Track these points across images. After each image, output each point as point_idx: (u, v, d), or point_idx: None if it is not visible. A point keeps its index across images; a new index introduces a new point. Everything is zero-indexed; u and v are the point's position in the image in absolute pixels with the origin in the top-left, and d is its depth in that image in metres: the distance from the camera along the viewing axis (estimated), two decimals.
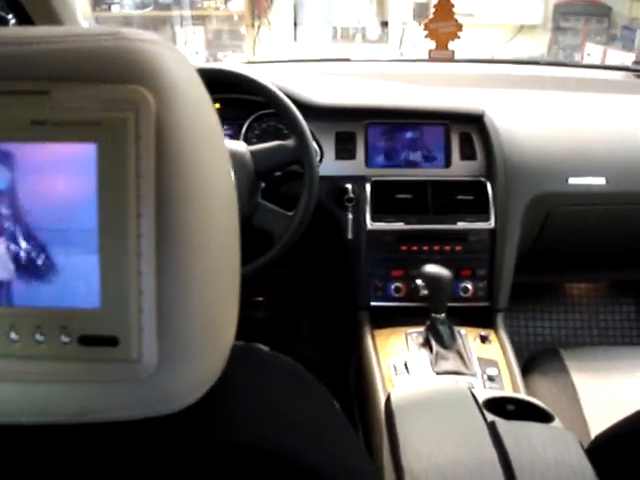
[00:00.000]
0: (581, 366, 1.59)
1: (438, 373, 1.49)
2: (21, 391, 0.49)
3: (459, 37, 1.78)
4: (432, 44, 1.83)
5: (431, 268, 1.55)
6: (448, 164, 1.76)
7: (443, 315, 1.57)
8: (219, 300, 0.51)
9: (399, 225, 1.71)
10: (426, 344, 1.58)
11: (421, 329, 1.62)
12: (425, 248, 1.71)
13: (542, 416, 1.09)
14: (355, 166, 1.75)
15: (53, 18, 1.46)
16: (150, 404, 0.50)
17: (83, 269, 0.47)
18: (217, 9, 4.89)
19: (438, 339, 1.55)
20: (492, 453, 0.93)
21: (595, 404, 1.48)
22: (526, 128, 1.79)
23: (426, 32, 1.78)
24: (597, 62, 3.98)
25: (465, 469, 0.91)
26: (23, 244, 0.47)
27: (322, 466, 0.54)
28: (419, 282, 1.63)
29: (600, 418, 1.43)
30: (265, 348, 0.68)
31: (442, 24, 1.76)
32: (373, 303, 1.74)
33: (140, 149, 0.45)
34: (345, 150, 1.75)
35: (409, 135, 1.75)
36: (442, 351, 1.53)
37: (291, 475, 0.52)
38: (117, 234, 0.46)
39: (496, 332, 1.69)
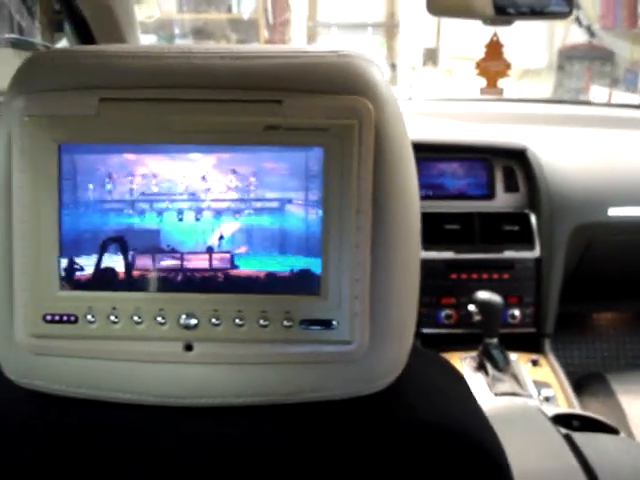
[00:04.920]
0: (627, 389, 1.65)
1: (496, 394, 1.55)
2: (242, 373, 0.55)
3: (509, 75, 1.87)
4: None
5: (483, 294, 1.61)
6: (492, 196, 1.83)
7: (496, 340, 1.63)
8: (415, 287, 0.57)
9: (449, 254, 1.78)
10: (480, 368, 1.64)
11: (474, 354, 1.68)
12: (474, 276, 1.78)
13: (608, 431, 1.13)
14: None
15: (116, 35, 1.47)
16: (356, 384, 0.56)
17: (306, 261, 0.53)
18: None
19: (493, 363, 1.61)
20: (574, 463, 0.97)
21: None
22: (567, 162, 1.87)
23: (477, 70, 1.88)
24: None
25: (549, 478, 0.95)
26: (250, 238, 0.54)
27: (487, 441, 0.59)
28: (471, 308, 1.70)
29: None
30: None
31: (493, 63, 1.86)
32: (425, 330, 1.80)
33: (362, 153, 0.52)
34: None
35: (454, 168, 1.83)
36: (497, 374, 1.59)
37: (468, 451, 0.57)
38: (339, 228, 0.53)
39: (545, 356, 1.75)
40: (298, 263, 0.53)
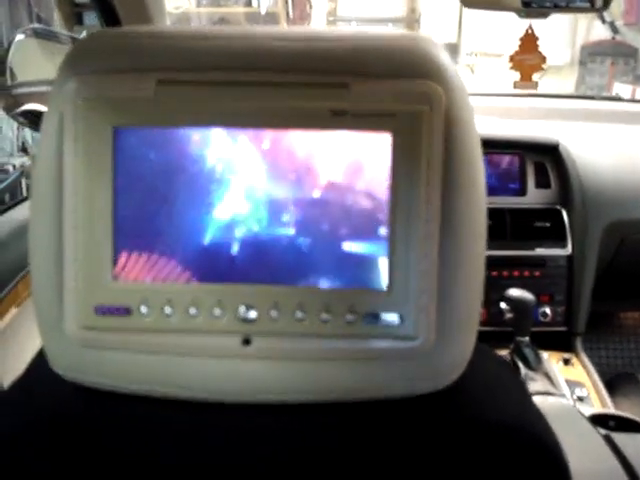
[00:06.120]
0: None
1: (529, 393, 1.52)
2: (301, 369, 0.52)
3: (543, 69, 1.84)
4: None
5: (515, 292, 1.58)
6: (523, 192, 1.81)
7: (527, 338, 1.60)
8: (480, 282, 0.55)
9: None
10: (512, 366, 1.61)
11: (505, 352, 1.65)
12: (505, 273, 1.75)
13: None
14: None
15: (143, 16, 1.43)
16: (420, 382, 0.53)
17: (372, 252, 0.51)
18: None
19: (524, 361, 1.58)
20: (614, 462, 0.95)
21: None
22: (599, 158, 1.84)
23: (511, 64, 1.85)
24: None
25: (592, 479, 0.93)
26: (315, 228, 0.51)
27: (550, 441, 0.57)
28: (503, 306, 1.67)
29: None
30: None
31: (527, 56, 1.83)
32: None
33: (432, 140, 0.49)
34: None
35: (485, 164, 1.80)
36: (530, 373, 1.56)
37: (534, 450, 0.55)
38: (407, 219, 0.50)
39: (577, 355, 1.72)
40: (363, 255, 0.51)
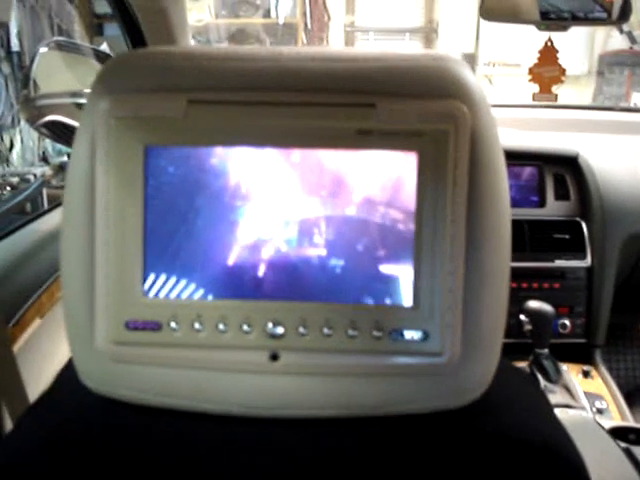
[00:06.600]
0: None
1: None
2: (328, 384, 0.53)
3: (562, 81, 1.85)
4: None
5: (534, 304, 1.59)
6: (543, 204, 1.80)
7: (546, 350, 1.60)
8: (505, 298, 0.55)
9: None
10: (536, 380, 1.60)
11: (524, 364, 1.65)
12: (524, 285, 1.75)
13: None
14: None
15: (168, 37, 1.46)
16: (445, 397, 0.54)
17: (398, 269, 0.51)
18: None
19: (544, 374, 1.58)
20: (634, 476, 0.95)
21: None
22: (619, 169, 1.83)
23: (530, 76, 1.85)
24: None
25: None
26: (341, 247, 0.52)
27: (574, 460, 0.57)
28: (522, 318, 1.67)
29: None
30: None
31: (546, 68, 1.83)
32: None
33: (457, 158, 0.50)
34: None
35: None
36: (549, 385, 1.56)
37: (556, 466, 0.55)
38: (432, 237, 0.51)
39: (596, 368, 1.72)
40: (389, 272, 0.51)
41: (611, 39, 4.95)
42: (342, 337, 0.52)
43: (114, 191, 0.51)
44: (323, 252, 0.51)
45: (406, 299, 0.52)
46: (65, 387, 0.61)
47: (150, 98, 0.51)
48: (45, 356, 1.11)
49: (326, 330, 0.52)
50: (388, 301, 0.52)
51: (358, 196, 0.51)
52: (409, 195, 0.51)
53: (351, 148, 0.50)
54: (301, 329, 0.52)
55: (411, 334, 0.52)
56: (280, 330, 0.51)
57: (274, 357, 0.52)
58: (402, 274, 0.51)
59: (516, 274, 1.75)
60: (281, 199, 0.51)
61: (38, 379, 1.03)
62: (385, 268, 0.51)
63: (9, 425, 0.88)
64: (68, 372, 0.59)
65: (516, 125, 1.95)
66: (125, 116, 0.51)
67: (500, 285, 0.53)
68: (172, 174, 0.51)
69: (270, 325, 0.51)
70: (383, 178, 0.51)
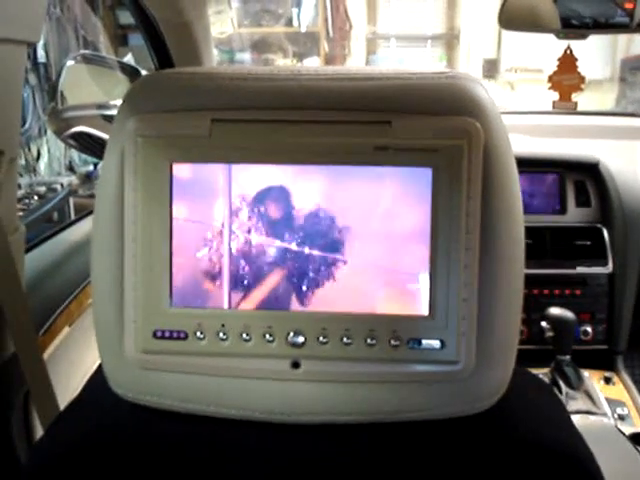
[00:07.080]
0: None
1: (570, 412, 1.52)
2: (348, 391, 0.55)
3: (582, 89, 1.85)
4: None
5: (556, 311, 1.59)
6: (564, 211, 1.81)
7: (568, 357, 1.60)
8: (519, 307, 0.57)
9: None
10: (553, 385, 1.61)
11: (546, 371, 1.65)
12: (546, 292, 1.76)
13: None
14: None
15: (194, 59, 1.51)
16: (461, 404, 0.56)
17: (414, 280, 0.53)
18: None
19: (565, 380, 1.58)
20: None
21: None
22: None
23: (550, 84, 1.86)
24: None
25: None
26: (359, 258, 0.54)
27: (591, 467, 0.58)
28: (544, 324, 1.67)
29: None
30: None
31: (566, 76, 1.84)
32: None
33: (471, 173, 0.52)
34: None
35: (525, 183, 1.81)
36: (571, 392, 1.56)
37: (571, 473, 0.56)
38: (447, 248, 0.53)
39: (618, 374, 1.72)
40: (406, 283, 0.53)
41: (633, 44, 4.92)
42: (361, 346, 0.54)
43: (142, 206, 0.54)
44: (342, 264, 0.54)
45: (423, 309, 0.54)
46: (94, 394, 0.63)
47: (175, 117, 0.54)
48: (73, 363, 1.14)
49: (345, 339, 0.54)
50: (405, 311, 0.54)
51: (376, 210, 0.53)
52: (425, 208, 0.53)
53: (368, 164, 0.53)
54: (321, 338, 0.54)
55: (427, 343, 0.54)
56: (301, 339, 0.54)
57: (295, 365, 0.54)
58: (419, 285, 0.53)
59: (537, 281, 1.76)
60: (301, 213, 0.53)
61: (67, 386, 1.06)
62: (402, 279, 0.53)
63: (40, 431, 0.91)
64: (97, 379, 0.61)
65: (537, 132, 1.96)
66: (151, 135, 0.53)
67: (514, 295, 0.55)
68: (196, 190, 0.54)
69: (291, 334, 0.54)
70: (399, 192, 0.53)
